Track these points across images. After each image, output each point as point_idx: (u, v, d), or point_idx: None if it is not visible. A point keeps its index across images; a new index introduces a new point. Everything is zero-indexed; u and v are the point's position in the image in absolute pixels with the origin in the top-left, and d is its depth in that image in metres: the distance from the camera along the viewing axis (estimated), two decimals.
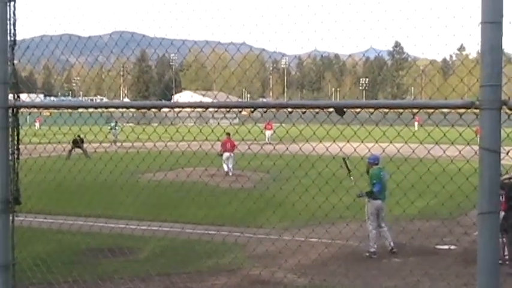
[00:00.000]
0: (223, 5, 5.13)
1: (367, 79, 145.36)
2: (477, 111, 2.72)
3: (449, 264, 11.59)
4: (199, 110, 3.90)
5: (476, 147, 2.78)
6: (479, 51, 2.69)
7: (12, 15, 3.81)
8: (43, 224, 11.23)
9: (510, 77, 3.43)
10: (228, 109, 3.80)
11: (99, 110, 4.31)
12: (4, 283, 3.78)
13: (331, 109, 3.26)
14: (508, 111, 2.77)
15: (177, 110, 4.28)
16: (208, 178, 18.71)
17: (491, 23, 2.66)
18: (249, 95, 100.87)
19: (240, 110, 3.94)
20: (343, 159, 11.78)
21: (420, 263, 11.91)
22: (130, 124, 29.79)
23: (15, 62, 3.94)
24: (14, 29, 3.82)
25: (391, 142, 4.47)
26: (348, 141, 5.48)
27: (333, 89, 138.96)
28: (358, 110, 3.29)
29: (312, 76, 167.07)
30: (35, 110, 4.39)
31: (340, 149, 5.40)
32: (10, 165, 3.87)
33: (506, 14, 2.69)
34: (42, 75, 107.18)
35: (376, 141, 4.45)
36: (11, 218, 3.90)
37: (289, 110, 3.49)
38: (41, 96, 59.88)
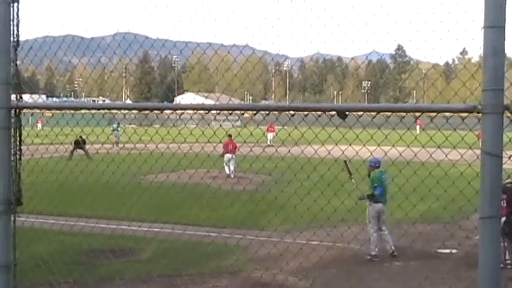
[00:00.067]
0: (226, 7, 5.15)
1: (370, 82, 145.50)
2: (479, 115, 2.72)
3: (450, 268, 11.58)
4: (202, 112, 3.89)
5: (478, 151, 2.77)
6: (482, 55, 2.69)
7: (15, 16, 3.81)
8: (45, 224, 11.25)
9: None
10: (230, 111, 3.80)
11: (102, 111, 4.31)
12: (5, 283, 3.79)
13: (334, 112, 3.26)
14: (510, 115, 2.76)
15: (179, 112, 4.28)
16: (210, 180, 18.69)
17: (494, 27, 2.66)
18: (251, 98, 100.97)
19: (242, 112, 3.94)
20: (345, 162, 11.79)
21: (421, 267, 11.91)
22: (133, 125, 29.76)
23: (18, 62, 3.94)
24: (17, 30, 3.83)
25: (393, 146, 4.47)
26: (350, 145, 5.47)
27: (335, 92, 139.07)
28: (361, 113, 3.29)
29: (314, 79, 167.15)
30: (37, 110, 4.39)
31: (342, 152, 5.40)
32: (12, 166, 3.87)
33: (509, 19, 2.69)
34: (45, 76, 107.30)
35: (378, 145, 4.45)
36: (12, 218, 3.90)
37: (291, 112, 3.49)
38: (43, 97, 60.04)
